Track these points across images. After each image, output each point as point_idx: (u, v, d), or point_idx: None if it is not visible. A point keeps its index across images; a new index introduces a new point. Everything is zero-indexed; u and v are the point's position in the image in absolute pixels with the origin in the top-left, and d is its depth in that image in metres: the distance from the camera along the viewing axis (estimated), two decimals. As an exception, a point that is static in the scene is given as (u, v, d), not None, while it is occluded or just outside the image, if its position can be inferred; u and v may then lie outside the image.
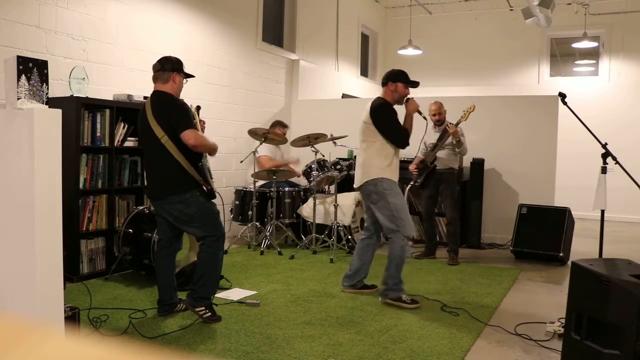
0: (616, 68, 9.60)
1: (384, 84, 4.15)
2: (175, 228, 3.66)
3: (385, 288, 4.03)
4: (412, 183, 5.81)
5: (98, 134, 4.62)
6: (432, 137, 5.56)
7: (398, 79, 4.11)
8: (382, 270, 4.13)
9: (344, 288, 4.36)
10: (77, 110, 4.39)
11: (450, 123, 5.51)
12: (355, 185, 4.24)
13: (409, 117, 4.14)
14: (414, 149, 6.76)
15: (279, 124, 6.72)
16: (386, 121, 4.03)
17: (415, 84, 4.16)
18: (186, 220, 3.54)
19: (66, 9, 4.70)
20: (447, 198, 5.64)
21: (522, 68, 10.25)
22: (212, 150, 3.60)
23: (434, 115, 5.59)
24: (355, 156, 6.89)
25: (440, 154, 5.56)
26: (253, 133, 5.92)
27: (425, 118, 4.54)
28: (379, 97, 4.14)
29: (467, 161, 6.46)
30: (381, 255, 4.43)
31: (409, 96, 4.18)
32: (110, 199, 4.71)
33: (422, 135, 4.95)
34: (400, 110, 4.14)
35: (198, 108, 4.03)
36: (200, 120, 3.84)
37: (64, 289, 2.63)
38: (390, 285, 4.01)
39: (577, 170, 8.86)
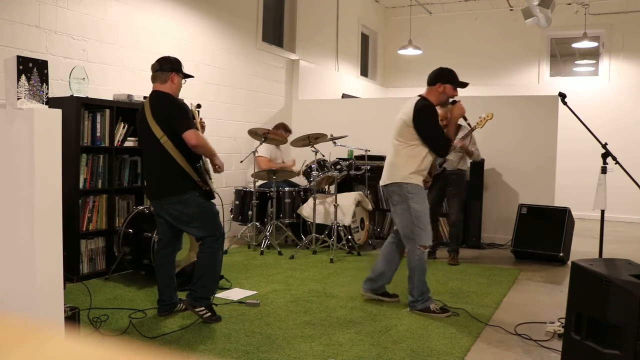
0: (616, 68, 9.60)
1: (432, 83, 3.84)
2: (175, 228, 3.66)
3: (412, 300, 3.85)
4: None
5: (98, 134, 4.62)
6: None
7: (448, 80, 3.82)
8: (404, 277, 4.04)
9: (364, 291, 4.12)
10: (77, 110, 4.38)
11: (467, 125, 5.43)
12: (380, 184, 4.01)
13: (452, 124, 3.89)
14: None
15: (283, 127, 6.69)
16: (430, 126, 3.76)
17: (464, 85, 3.88)
18: (186, 220, 3.54)
19: (66, 9, 4.70)
20: (455, 199, 5.62)
21: (522, 68, 10.25)
22: (213, 155, 3.60)
23: (442, 120, 5.54)
24: (354, 156, 6.90)
25: (450, 156, 5.53)
26: (253, 133, 5.92)
27: (470, 125, 4.11)
28: (423, 97, 3.83)
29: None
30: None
31: (455, 98, 3.89)
32: (110, 199, 4.71)
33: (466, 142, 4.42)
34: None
35: (198, 106, 4.02)
36: (201, 120, 3.84)
37: (64, 289, 2.63)
38: (416, 296, 3.83)
39: (577, 170, 8.86)
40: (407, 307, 3.90)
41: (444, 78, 3.84)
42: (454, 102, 3.90)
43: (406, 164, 3.78)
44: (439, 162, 5.48)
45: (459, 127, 5.28)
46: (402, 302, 4.07)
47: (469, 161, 5.87)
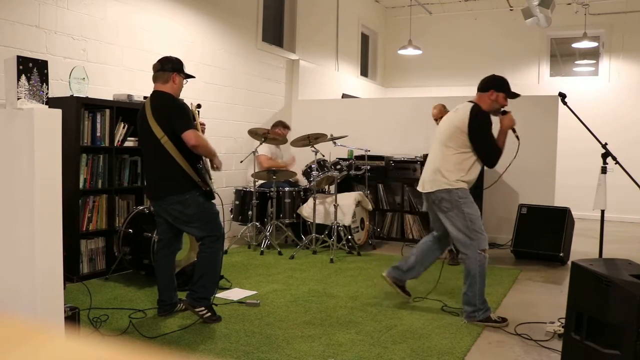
0: (616, 68, 9.60)
1: (484, 89, 3.73)
2: (174, 228, 3.66)
3: (471, 310, 3.65)
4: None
5: (98, 134, 4.62)
6: None
7: (502, 89, 3.72)
8: (427, 279, 3.95)
9: (386, 274, 4.04)
10: (77, 110, 4.39)
11: None
12: (422, 190, 3.87)
13: (503, 134, 3.73)
14: (415, 150, 6.78)
15: (281, 124, 6.72)
16: (484, 135, 3.65)
17: (516, 95, 3.78)
18: (185, 220, 3.54)
19: (66, 9, 4.70)
20: None
21: (522, 68, 10.24)
22: (212, 155, 3.60)
23: (436, 120, 5.59)
24: (354, 156, 6.89)
25: None
26: (253, 133, 5.92)
27: (518, 137, 3.87)
28: (475, 104, 3.70)
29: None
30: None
31: (505, 109, 3.77)
32: (110, 199, 4.71)
33: (512, 156, 4.04)
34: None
35: (198, 106, 4.02)
36: (201, 123, 3.83)
37: (64, 289, 2.63)
38: (479, 304, 3.63)
39: (577, 170, 8.86)
40: (463, 318, 3.69)
41: (497, 86, 3.73)
42: (504, 112, 3.77)
43: (453, 170, 3.67)
44: None
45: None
46: (405, 303, 4.07)
47: None
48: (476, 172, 3.74)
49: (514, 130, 3.82)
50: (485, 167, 3.87)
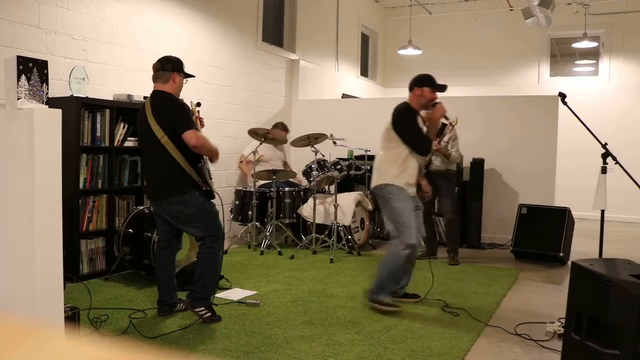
0: (616, 68, 9.60)
1: (410, 89, 4.06)
2: (174, 228, 3.66)
3: (373, 292, 3.86)
4: None
5: (98, 134, 4.62)
6: None
7: (424, 84, 4.01)
8: (423, 277, 4.03)
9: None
10: (77, 110, 4.39)
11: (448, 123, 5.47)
12: (371, 188, 4.20)
13: (433, 123, 4.06)
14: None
15: (280, 126, 6.71)
16: (406, 127, 3.93)
17: (442, 88, 4.04)
18: (185, 220, 3.54)
19: (66, 9, 4.70)
20: (445, 197, 5.61)
21: (522, 68, 10.25)
22: (213, 153, 3.59)
23: (424, 122, 5.56)
24: (354, 156, 6.91)
25: (435, 159, 5.52)
26: (253, 133, 5.92)
27: (451, 124, 4.19)
28: (403, 102, 4.03)
29: (467, 161, 6.46)
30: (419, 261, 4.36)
31: (436, 100, 4.07)
32: (110, 199, 4.71)
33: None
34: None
35: (198, 104, 4.02)
36: (200, 118, 3.83)
37: (64, 289, 2.63)
38: (375, 288, 3.85)
39: (577, 170, 8.86)
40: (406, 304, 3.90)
41: (420, 82, 4.03)
42: (435, 104, 4.06)
43: (389, 167, 3.93)
44: (423, 165, 5.45)
45: (442, 129, 5.29)
46: (405, 303, 4.07)
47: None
48: (412, 167, 3.94)
49: (446, 118, 4.14)
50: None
